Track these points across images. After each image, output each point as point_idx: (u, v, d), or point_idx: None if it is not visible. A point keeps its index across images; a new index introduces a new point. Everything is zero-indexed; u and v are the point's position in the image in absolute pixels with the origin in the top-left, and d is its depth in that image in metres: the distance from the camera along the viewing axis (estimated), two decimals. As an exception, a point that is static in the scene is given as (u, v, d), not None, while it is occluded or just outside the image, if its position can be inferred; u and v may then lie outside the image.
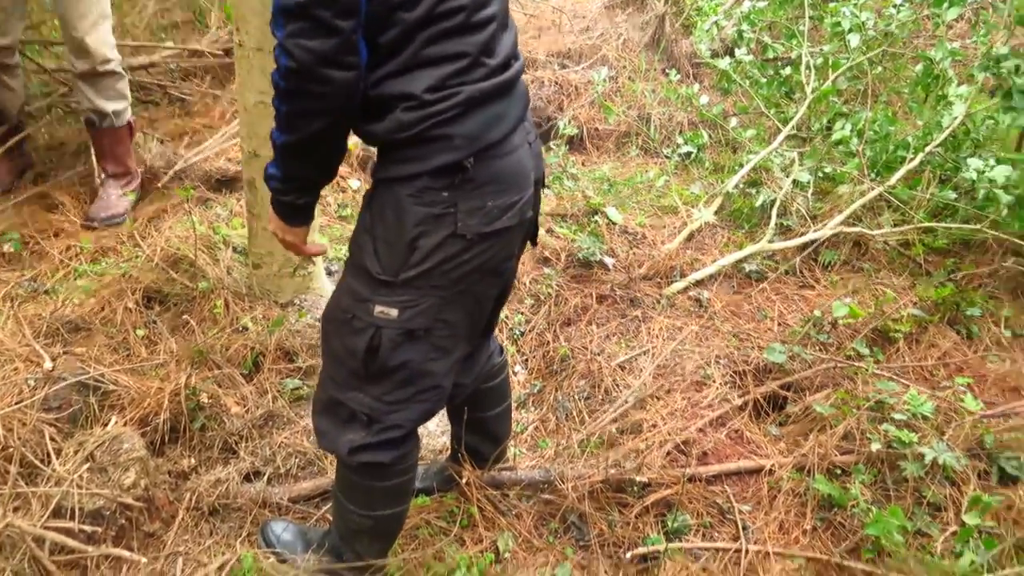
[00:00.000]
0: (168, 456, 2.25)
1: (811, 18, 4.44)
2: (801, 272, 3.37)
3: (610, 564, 2.17)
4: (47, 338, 2.51)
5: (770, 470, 2.42)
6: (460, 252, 1.55)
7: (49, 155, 3.53)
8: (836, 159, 3.85)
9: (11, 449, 1.97)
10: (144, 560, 1.87)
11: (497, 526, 2.21)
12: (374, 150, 3.76)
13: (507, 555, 2.14)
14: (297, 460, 2.31)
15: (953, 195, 3.47)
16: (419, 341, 1.63)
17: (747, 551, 2.19)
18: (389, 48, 1.42)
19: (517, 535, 2.20)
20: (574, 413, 2.63)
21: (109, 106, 3.21)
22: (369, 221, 1.59)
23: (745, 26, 4.80)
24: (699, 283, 3.25)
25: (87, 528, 1.87)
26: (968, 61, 4.11)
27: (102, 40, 3.11)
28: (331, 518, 1.99)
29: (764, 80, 4.59)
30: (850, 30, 4.14)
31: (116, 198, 3.30)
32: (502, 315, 2.73)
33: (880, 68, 4.44)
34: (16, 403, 2.11)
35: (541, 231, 3.26)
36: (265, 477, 2.25)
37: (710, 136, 4.39)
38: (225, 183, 3.54)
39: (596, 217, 3.51)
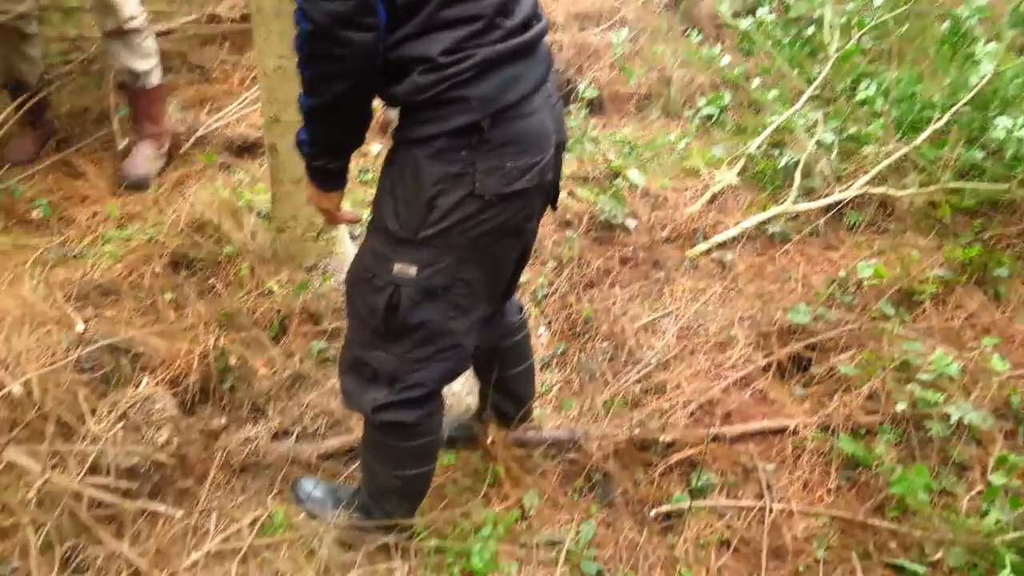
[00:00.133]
0: (199, 416, 2.28)
1: (836, -24, 4.36)
2: (826, 234, 3.35)
3: (634, 521, 2.20)
4: (78, 301, 2.55)
5: (794, 430, 2.43)
6: (478, 212, 1.56)
7: (71, 122, 3.55)
8: (860, 119, 3.80)
9: (47, 409, 2.01)
10: (180, 514, 1.91)
11: (522, 485, 2.24)
12: (393, 115, 3.76)
13: (532, 513, 2.17)
14: (325, 420, 2.34)
15: (981, 155, 3.42)
16: (438, 300, 1.64)
17: (771, 509, 2.21)
18: (406, 10, 1.43)
19: (542, 493, 2.23)
20: (598, 374, 2.64)
21: (140, 65, 3.22)
22: (389, 181, 1.61)
23: (768, -15, 4.73)
24: (722, 245, 3.23)
25: (123, 484, 1.92)
26: (996, 18, 4.02)
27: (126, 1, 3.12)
28: (361, 475, 2.02)
29: (787, 40, 4.52)
30: (875, -12, 4.06)
31: (151, 159, 3.33)
32: (524, 277, 2.75)
33: (905, 26, 4.36)
34: (50, 365, 2.14)
35: (563, 194, 3.25)
36: (294, 436, 2.28)
37: (732, 98, 4.34)
38: (246, 149, 3.55)
39: (617, 180, 3.49)
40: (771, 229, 3.32)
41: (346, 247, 2.88)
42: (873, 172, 3.41)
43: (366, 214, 3.15)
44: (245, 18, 4.19)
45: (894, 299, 2.90)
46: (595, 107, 4.31)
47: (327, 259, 2.82)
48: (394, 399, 1.73)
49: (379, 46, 1.43)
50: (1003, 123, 3.26)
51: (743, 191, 3.59)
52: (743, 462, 2.36)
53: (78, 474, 1.90)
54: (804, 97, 3.90)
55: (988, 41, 3.63)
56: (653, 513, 2.19)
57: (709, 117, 4.26)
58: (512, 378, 2.20)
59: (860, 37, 4.03)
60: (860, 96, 3.75)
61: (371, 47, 1.42)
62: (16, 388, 2.02)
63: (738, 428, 2.44)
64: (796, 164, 3.55)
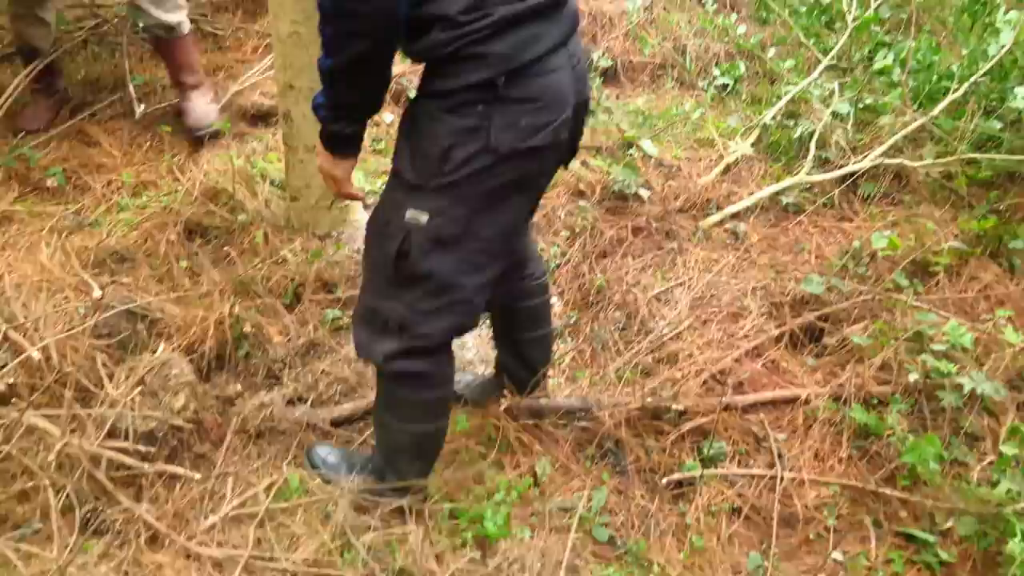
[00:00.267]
0: (215, 382, 2.30)
1: (854, -57, 4.29)
2: (840, 205, 3.34)
3: (646, 489, 2.22)
4: (94, 268, 2.57)
5: (806, 400, 2.43)
6: (491, 166, 1.59)
7: (85, 90, 3.55)
8: (877, 90, 3.77)
9: (66, 374, 2.03)
10: (198, 477, 1.93)
11: (535, 452, 2.26)
12: (406, 84, 3.74)
13: (545, 480, 2.19)
14: (340, 387, 2.36)
15: (999, 125, 3.39)
16: (448, 251, 1.67)
17: (782, 478, 2.22)
18: None
19: (555, 460, 2.24)
20: (610, 343, 2.64)
21: (172, 17, 3.21)
22: (407, 131, 1.65)
23: (785, -47, 4.67)
24: (736, 215, 3.22)
25: (141, 448, 1.94)
26: (1018, -14, 3.97)
27: None
28: (374, 442, 2.05)
29: (803, 9, 4.48)
30: (894, -44, 4.01)
31: (209, 104, 3.34)
32: (539, 247, 2.75)
33: (924, -5, 4.31)
34: (68, 330, 2.16)
35: (576, 163, 3.25)
36: (308, 402, 2.30)
37: (747, 67, 4.30)
38: (260, 117, 3.54)
39: (631, 150, 3.48)
40: (785, 200, 3.31)
41: (359, 216, 2.89)
42: (889, 143, 3.39)
43: (379, 183, 3.15)
44: (257, -15, 4.17)
45: (908, 271, 2.89)
46: (609, 77, 4.28)
47: (341, 228, 2.83)
48: (404, 347, 1.76)
49: (400, 6, 1.45)
50: (1022, 93, 3.23)
51: (757, 162, 3.57)
52: (755, 431, 2.37)
53: (97, 438, 1.92)
54: (820, 67, 3.87)
55: (1009, 9, 3.58)
56: (665, 481, 2.21)
57: (724, 87, 4.23)
58: (528, 342, 2.21)
59: (878, 6, 3.99)
60: (877, 66, 3.72)
61: (392, 6, 1.44)
62: (35, 353, 2.04)
63: (750, 397, 2.45)
64: (811, 135, 3.53)
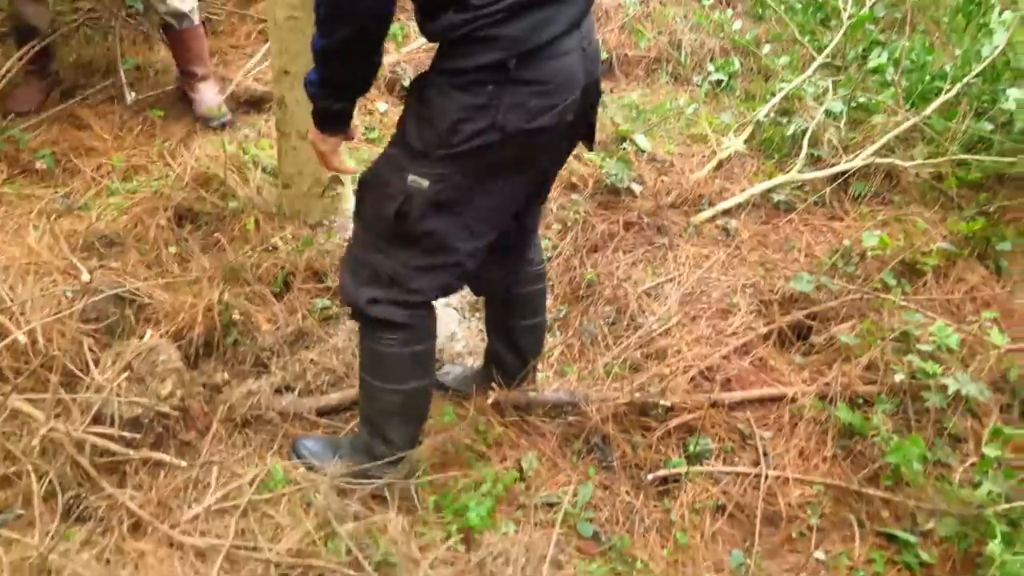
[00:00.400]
0: (202, 369, 2.29)
1: (851, -59, 4.29)
2: (831, 203, 3.35)
3: (632, 485, 2.23)
4: (83, 252, 2.55)
5: (792, 398, 2.44)
6: (496, 143, 1.64)
7: (77, 73, 3.52)
8: (870, 89, 3.78)
9: (52, 358, 2.02)
10: (184, 464, 1.93)
11: (521, 445, 2.26)
12: (401, 72, 3.73)
13: (531, 474, 2.19)
14: (327, 377, 2.35)
15: (990, 127, 3.41)
16: (446, 215, 1.73)
17: (767, 476, 2.23)
18: None
19: (541, 455, 2.25)
20: (599, 338, 2.65)
21: (184, 5, 3.22)
22: (416, 103, 1.70)
23: (782, -51, 4.67)
24: (727, 212, 3.23)
25: (126, 435, 1.93)
26: (1014, -12, 3.97)
27: None
28: (360, 412, 2.06)
29: (799, 6, 4.48)
30: (891, -46, 4.01)
31: (216, 95, 3.36)
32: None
33: (920, -5, 4.32)
34: (55, 314, 2.15)
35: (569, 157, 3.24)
36: (296, 392, 2.30)
37: (742, 63, 4.30)
38: (253, 103, 3.53)
39: (624, 144, 3.47)
40: (777, 197, 3.32)
41: (351, 205, 2.87)
42: (881, 142, 3.40)
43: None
44: (252, -31, 4.14)
45: (896, 270, 2.90)
46: (604, 70, 4.26)
47: (332, 216, 2.82)
48: (391, 298, 1.82)
49: None
50: (1015, 94, 3.24)
51: (750, 158, 3.58)
52: (741, 429, 2.38)
53: (82, 423, 1.91)
54: (815, 65, 3.88)
55: (1003, 11, 3.59)
56: (650, 477, 2.21)
57: (718, 83, 4.23)
58: (520, 329, 2.22)
59: (873, 5, 3.99)
60: (871, 65, 3.73)
61: None
62: (21, 337, 2.03)
63: (737, 395, 2.45)
64: (804, 132, 3.53)
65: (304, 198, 2.78)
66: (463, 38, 1.57)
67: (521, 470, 2.19)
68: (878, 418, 2.34)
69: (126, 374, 2.02)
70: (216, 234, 2.72)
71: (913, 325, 2.55)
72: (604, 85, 4.11)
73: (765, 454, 2.30)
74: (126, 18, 3.65)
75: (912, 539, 2.12)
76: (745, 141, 3.60)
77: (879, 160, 3.37)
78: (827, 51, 3.95)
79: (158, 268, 2.58)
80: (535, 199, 2.01)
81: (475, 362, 2.50)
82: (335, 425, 2.26)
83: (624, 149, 3.43)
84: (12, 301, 2.19)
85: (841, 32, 3.98)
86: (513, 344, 2.25)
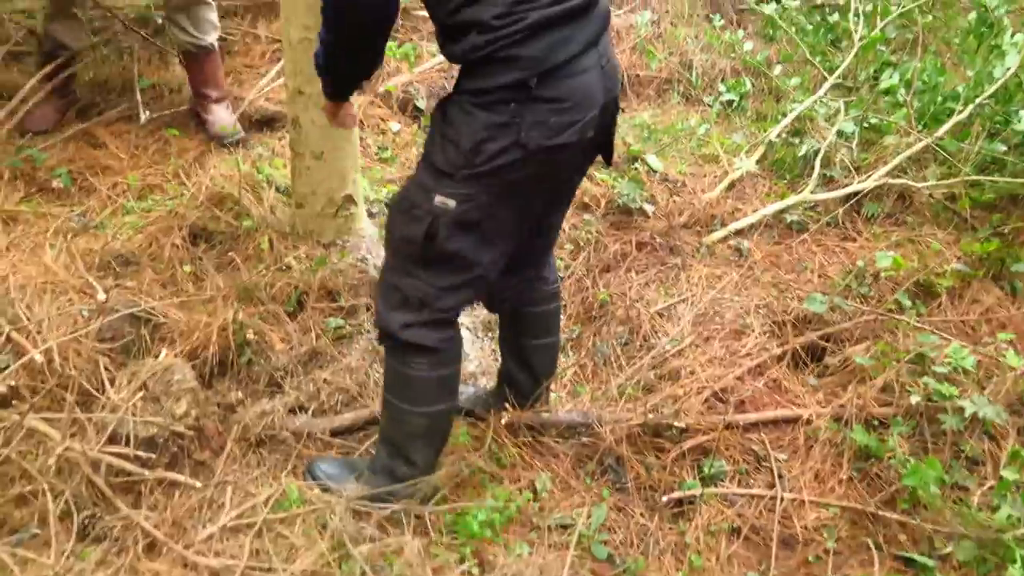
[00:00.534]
0: (216, 389, 2.30)
1: (862, -37, 4.31)
2: (843, 224, 3.34)
3: (646, 507, 2.21)
4: (99, 271, 2.56)
5: (807, 420, 2.43)
6: (520, 160, 1.68)
7: (93, 93, 3.55)
8: (882, 109, 3.78)
9: (68, 377, 2.03)
10: (199, 485, 1.93)
11: (535, 467, 2.26)
12: (414, 93, 3.75)
13: (544, 495, 2.18)
14: (341, 397, 2.35)
15: (1003, 148, 3.40)
16: (471, 233, 1.77)
17: (782, 498, 2.22)
18: None
19: (555, 476, 2.24)
20: (612, 359, 2.65)
21: (206, 39, 3.29)
22: (441, 124, 1.75)
23: (793, -29, 4.69)
24: (739, 232, 3.23)
25: (141, 454, 1.93)
26: (1025, 10, 3.99)
27: None
28: (381, 433, 2.06)
29: (810, 27, 4.49)
30: (902, -24, 4.03)
31: (229, 115, 3.39)
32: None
33: (930, 16, 4.32)
34: (71, 333, 2.16)
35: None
36: (310, 411, 2.30)
37: (753, 84, 4.32)
38: (266, 123, 3.55)
39: (636, 164, 3.48)
40: (789, 218, 3.32)
41: (364, 224, 2.89)
42: (893, 163, 3.40)
43: (385, 191, 3.16)
44: (266, -9, 4.18)
45: (910, 291, 2.89)
46: (616, 90, 4.29)
47: (345, 236, 2.82)
48: (421, 319, 1.86)
49: (391, 5, 1.64)
50: (1027, 116, 3.24)
51: (762, 179, 3.58)
52: (756, 450, 2.37)
53: (97, 443, 1.92)
54: (826, 85, 3.88)
55: (1015, 32, 3.60)
56: (665, 499, 2.20)
57: (730, 103, 4.24)
58: (533, 348, 2.23)
59: (885, 25, 4.00)
60: (883, 86, 3.73)
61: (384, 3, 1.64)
62: (38, 356, 2.04)
63: (751, 416, 2.44)
64: (816, 153, 3.54)
65: (317, 218, 2.79)
66: (485, 59, 1.62)
67: (535, 491, 2.19)
68: (894, 440, 2.32)
69: (141, 393, 2.02)
70: (230, 253, 2.73)
71: (928, 347, 2.54)
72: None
73: (780, 476, 2.29)
74: (144, 38, 3.68)
75: (930, 563, 2.09)
76: (757, 161, 3.61)
77: (892, 181, 3.37)
78: (838, 72, 3.96)
79: (173, 287, 2.59)
80: (554, 214, 2.04)
81: (488, 382, 2.50)
82: (349, 445, 2.26)
83: (636, 169, 3.44)
84: (29, 320, 2.20)
85: (852, 53, 3.99)
86: (527, 364, 2.25)
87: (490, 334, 2.66)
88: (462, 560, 1.92)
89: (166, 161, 3.23)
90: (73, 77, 3.42)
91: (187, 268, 2.65)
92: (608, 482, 2.26)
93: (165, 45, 3.72)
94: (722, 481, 2.28)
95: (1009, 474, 2.19)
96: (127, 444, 1.94)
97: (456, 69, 1.76)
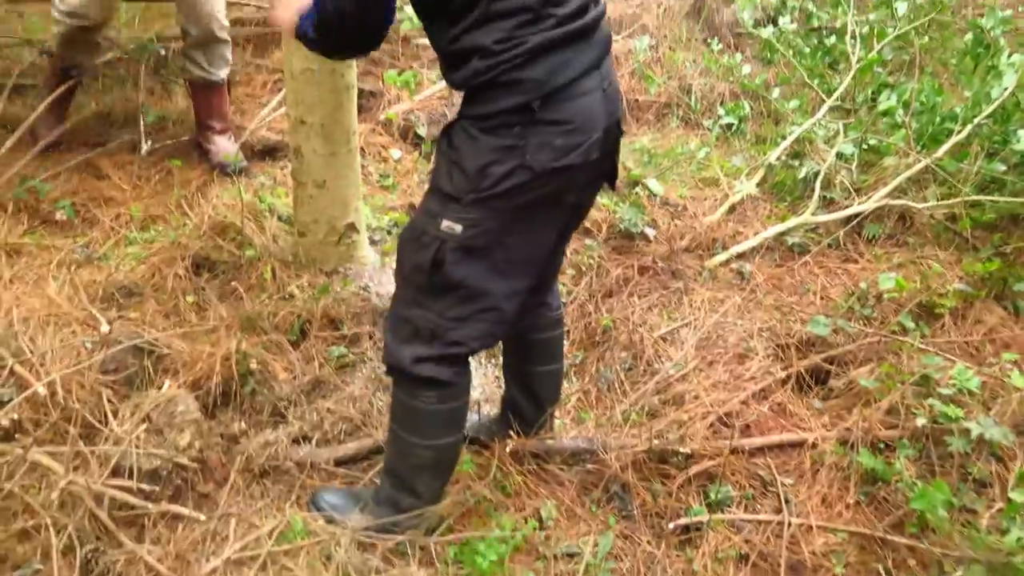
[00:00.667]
0: (220, 419, 2.29)
1: (857, -14, 4.35)
2: (845, 246, 3.34)
3: (653, 534, 2.19)
4: (102, 303, 2.57)
5: (813, 443, 2.42)
6: (526, 182, 1.68)
7: (96, 123, 3.57)
8: (881, 131, 3.79)
9: (71, 410, 2.02)
10: (203, 517, 1.91)
11: (540, 494, 2.24)
12: (414, 120, 3.77)
13: (550, 523, 2.17)
14: (344, 426, 2.35)
15: (1002, 168, 3.41)
16: (478, 260, 1.76)
17: (789, 524, 2.20)
18: (460, 9, 1.61)
19: (560, 504, 2.23)
20: (616, 384, 2.64)
21: (218, 73, 3.34)
22: (447, 150, 1.76)
23: (789, -6, 4.73)
24: (741, 255, 3.23)
25: (145, 487, 1.92)
26: (1021, 30, 4.01)
27: (219, 5, 3.24)
28: (386, 464, 2.05)
29: (808, 50, 4.52)
30: (897, -2, 4.06)
31: (232, 144, 3.43)
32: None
33: (927, 38, 4.35)
34: (75, 365, 2.16)
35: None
36: (313, 441, 2.29)
37: (752, 107, 4.34)
38: (268, 152, 3.58)
39: (637, 189, 3.49)
40: (790, 240, 3.32)
41: (366, 252, 2.90)
42: (893, 184, 3.40)
43: (387, 219, 3.16)
44: (267, 21, 4.21)
45: (913, 313, 2.88)
46: (615, 114, 4.31)
47: (348, 264, 2.83)
48: (433, 354, 1.83)
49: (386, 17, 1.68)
50: (1025, 136, 3.25)
51: (762, 201, 3.59)
52: (762, 475, 2.35)
53: (100, 476, 1.91)
54: (824, 108, 3.90)
55: (1012, 53, 3.62)
56: (671, 526, 2.18)
57: (729, 126, 4.26)
58: (537, 376, 2.22)
59: (881, 48, 4.03)
60: (881, 107, 3.74)
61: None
62: (41, 389, 2.04)
63: (757, 441, 2.43)
64: (816, 175, 3.55)
65: (320, 246, 2.80)
66: (487, 84, 1.64)
67: (540, 520, 2.17)
68: (901, 463, 2.31)
69: (145, 425, 2.02)
70: (233, 283, 2.73)
71: (933, 368, 2.53)
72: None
73: (787, 501, 2.27)
74: (153, 69, 3.73)
75: (940, 588, 2.08)
76: (757, 184, 3.62)
77: (892, 202, 3.38)
78: (836, 94, 3.98)
79: (176, 317, 2.59)
80: (564, 241, 2.03)
81: (491, 409, 2.49)
82: (353, 475, 2.25)
83: (637, 194, 3.45)
84: (32, 353, 2.20)
85: (850, 75, 4.01)
86: (530, 391, 2.25)
87: (493, 361, 2.66)
88: (468, 591, 1.91)
89: (169, 192, 3.25)
90: (75, 89, 3.47)
91: (190, 298, 2.65)
92: (614, 509, 2.25)
93: (168, 76, 3.75)
94: (729, 507, 2.26)
95: (1018, 496, 2.17)
96: (130, 477, 1.93)
97: (458, 96, 1.76)
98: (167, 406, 2.08)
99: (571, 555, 2.07)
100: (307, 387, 2.43)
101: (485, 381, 2.61)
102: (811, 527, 2.20)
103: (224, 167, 3.35)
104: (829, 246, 3.33)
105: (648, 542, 2.15)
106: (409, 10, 4.17)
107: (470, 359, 1.93)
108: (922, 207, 3.38)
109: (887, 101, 3.80)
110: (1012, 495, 2.19)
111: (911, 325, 2.80)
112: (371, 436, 2.32)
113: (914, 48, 4.15)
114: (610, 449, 2.31)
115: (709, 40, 4.85)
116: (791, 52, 4.47)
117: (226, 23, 3.31)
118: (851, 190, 3.51)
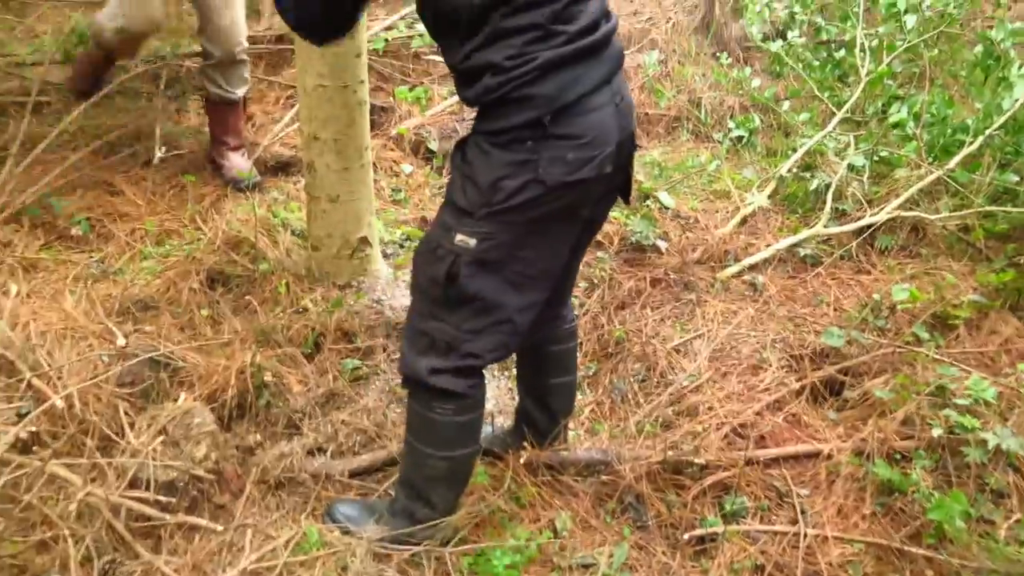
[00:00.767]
0: (235, 431, 2.30)
1: (866, -1, 4.37)
2: (857, 257, 3.34)
3: (668, 545, 2.19)
4: (118, 317, 2.59)
5: (828, 454, 2.41)
6: (540, 196, 1.70)
7: (111, 140, 3.60)
8: (892, 143, 3.80)
9: (88, 422, 2.04)
10: (219, 528, 1.92)
11: (555, 506, 2.24)
12: (426, 136, 3.79)
13: (565, 534, 2.16)
14: (359, 438, 2.35)
15: (1015, 179, 3.41)
16: (493, 273, 1.77)
17: (805, 535, 2.19)
18: (474, 25, 1.63)
19: (575, 515, 2.22)
20: (630, 396, 2.64)
21: (236, 92, 3.37)
22: (460, 164, 1.78)
23: (797, 7, 4.75)
24: (753, 267, 3.23)
25: (161, 499, 1.93)
26: (1031, 42, 4.01)
27: (242, 27, 3.27)
28: (401, 475, 2.06)
29: (817, 63, 4.54)
30: (906, 11, 4.08)
31: (245, 161, 3.46)
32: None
33: (936, 50, 4.36)
34: (92, 378, 2.17)
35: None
36: (328, 453, 2.30)
37: (762, 120, 4.35)
38: (281, 168, 3.60)
39: (648, 202, 3.50)
40: (803, 252, 3.32)
41: (380, 266, 2.91)
42: (905, 196, 3.40)
43: (399, 233, 3.17)
44: (280, 39, 4.26)
45: (927, 324, 2.88)
46: (625, 128, 4.32)
47: (361, 277, 2.85)
48: (449, 365, 1.85)
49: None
50: (1038, 147, 3.24)
51: (774, 214, 3.59)
52: (777, 486, 2.34)
53: (118, 487, 1.92)
54: (835, 120, 3.91)
55: (1022, 65, 3.62)
56: (687, 536, 2.18)
57: (739, 139, 4.27)
58: (551, 387, 2.23)
59: (891, 60, 4.03)
60: (892, 119, 3.75)
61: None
62: (58, 402, 2.05)
63: (772, 452, 2.42)
64: (827, 187, 3.55)
65: (333, 260, 2.82)
66: (499, 100, 1.65)
67: (555, 531, 2.17)
68: (917, 474, 2.30)
69: (161, 438, 2.03)
70: (247, 296, 2.75)
71: (948, 379, 2.52)
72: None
73: (803, 512, 2.26)
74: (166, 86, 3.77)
75: (958, 599, 2.06)
76: (768, 196, 3.62)
77: (904, 213, 3.38)
78: (847, 106, 3.99)
79: (191, 331, 2.61)
80: (578, 255, 2.04)
81: (505, 421, 2.49)
82: (367, 487, 2.25)
83: (648, 206, 3.46)
84: (49, 366, 2.22)
85: (860, 88, 4.02)
86: (544, 403, 2.25)
87: (507, 372, 2.66)
88: (484, 602, 1.90)
89: (183, 207, 3.27)
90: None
91: (205, 312, 2.67)
92: (629, 520, 2.24)
93: (181, 91, 3.79)
94: (744, 518, 2.25)
95: (1036, 507, 2.16)
96: (147, 488, 1.95)
97: (469, 111, 1.78)
98: (183, 418, 2.09)
99: (586, 566, 2.06)
100: (321, 399, 2.44)
101: (499, 393, 2.61)
102: (827, 538, 2.19)
103: (237, 183, 3.37)
104: (841, 258, 3.33)
105: (663, 553, 2.14)
106: (420, 27, 4.22)
107: (484, 371, 1.94)
108: (934, 218, 3.37)
109: (898, 113, 3.81)
110: (1030, 506, 2.17)
111: (925, 336, 2.80)
112: (385, 448, 2.33)
113: (924, 61, 4.15)
114: (624, 460, 2.30)
115: (718, 54, 4.88)
116: (800, 65, 4.49)
117: (246, 44, 3.34)
118: (863, 202, 3.51)
